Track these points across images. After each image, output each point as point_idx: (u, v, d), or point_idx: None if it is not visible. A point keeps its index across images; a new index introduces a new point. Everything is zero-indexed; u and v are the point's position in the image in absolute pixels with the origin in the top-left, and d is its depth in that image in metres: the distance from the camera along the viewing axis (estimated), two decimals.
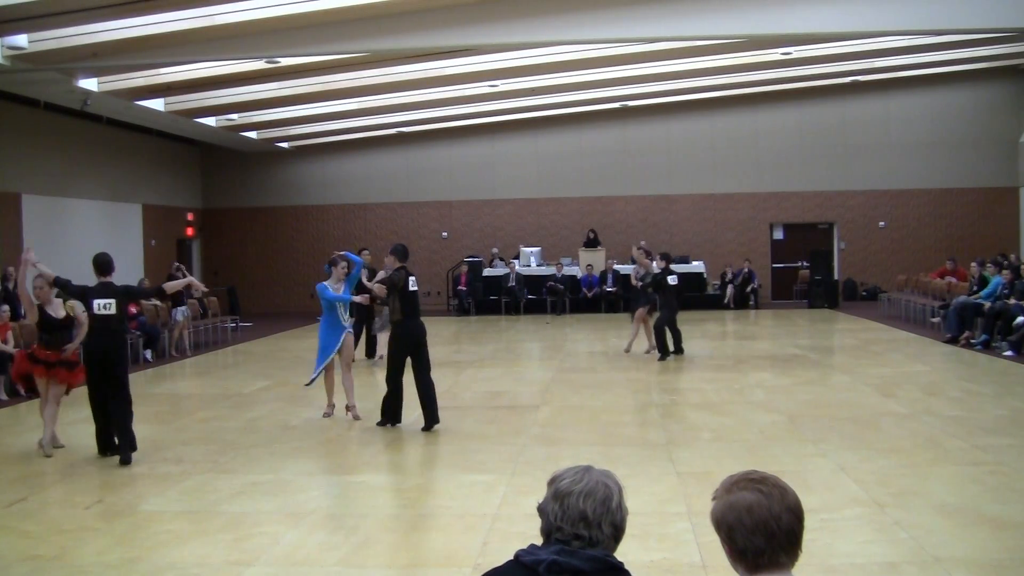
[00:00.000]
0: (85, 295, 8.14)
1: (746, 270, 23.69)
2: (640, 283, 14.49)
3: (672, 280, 14.15)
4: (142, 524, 6.24)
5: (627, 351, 14.62)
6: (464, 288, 23.42)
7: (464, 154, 25.68)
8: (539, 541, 2.32)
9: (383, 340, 13.77)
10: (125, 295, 8.32)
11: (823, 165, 24.79)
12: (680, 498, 6.55)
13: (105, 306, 8.07)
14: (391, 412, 9.31)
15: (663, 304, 14.20)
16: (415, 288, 9.30)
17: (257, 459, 8.12)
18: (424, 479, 7.76)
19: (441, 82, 18.59)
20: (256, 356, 16.31)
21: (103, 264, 8.28)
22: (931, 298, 18.97)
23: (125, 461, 7.90)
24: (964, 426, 8.78)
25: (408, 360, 9.21)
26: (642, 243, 17.25)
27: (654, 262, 14.48)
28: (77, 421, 9.36)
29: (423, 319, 9.46)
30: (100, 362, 8.06)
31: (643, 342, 14.71)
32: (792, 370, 12.83)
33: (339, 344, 9.71)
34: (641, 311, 14.50)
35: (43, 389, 8.51)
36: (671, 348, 14.11)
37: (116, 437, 8.10)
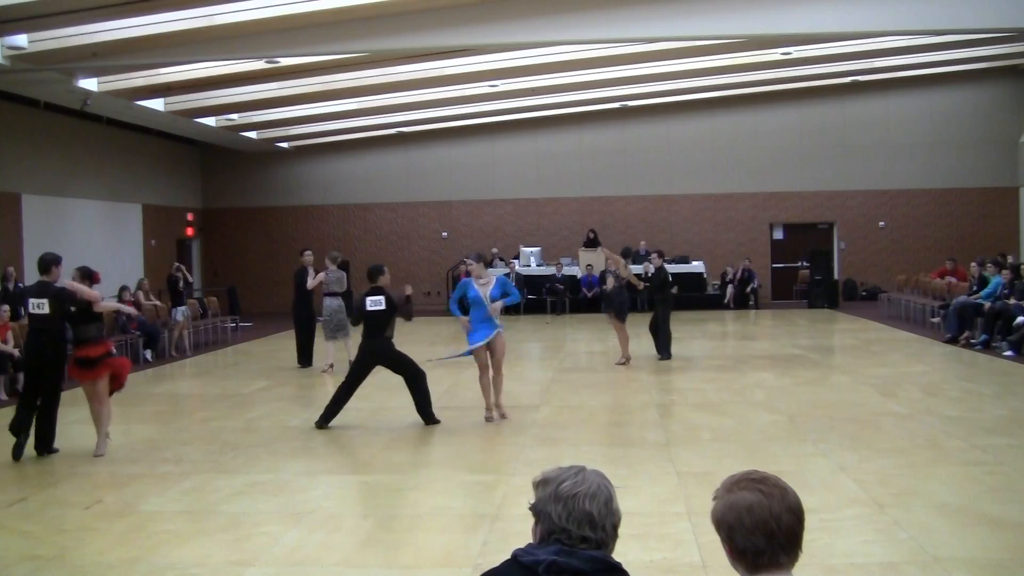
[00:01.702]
0: (23, 294, 8.20)
1: (746, 262, 23.67)
2: (615, 281, 13.80)
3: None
4: (142, 524, 6.23)
5: (626, 360, 13.74)
6: None
7: (464, 154, 25.68)
8: None
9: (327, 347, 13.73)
10: (57, 297, 8.17)
11: (823, 165, 24.79)
12: (680, 498, 6.55)
13: (39, 305, 8.12)
14: (326, 413, 9.49)
15: (660, 302, 14.12)
16: (373, 308, 9.32)
17: (257, 459, 8.12)
18: (424, 479, 7.75)
19: (441, 82, 18.59)
20: (256, 356, 16.30)
21: (41, 263, 8.32)
22: (931, 298, 18.97)
23: (44, 452, 8.20)
24: (964, 426, 8.78)
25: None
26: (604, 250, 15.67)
27: (650, 259, 14.38)
28: (76, 421, 9.36)
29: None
30: (35, 364, 8.19)
31: (633, 347, 14.24)
32: (792, 370, 12.82)
33: (487, 339, 9.41)
34: (616, 320, 13.66)
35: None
36: (659, 350, 14.00)
37: (41, 433, 8.25)
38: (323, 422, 9.41)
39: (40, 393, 8.27)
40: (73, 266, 8.86)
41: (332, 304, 13.64)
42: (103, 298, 8.64)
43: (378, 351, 9.38)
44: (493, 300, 9.34)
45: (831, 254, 24.55)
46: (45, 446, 8.32)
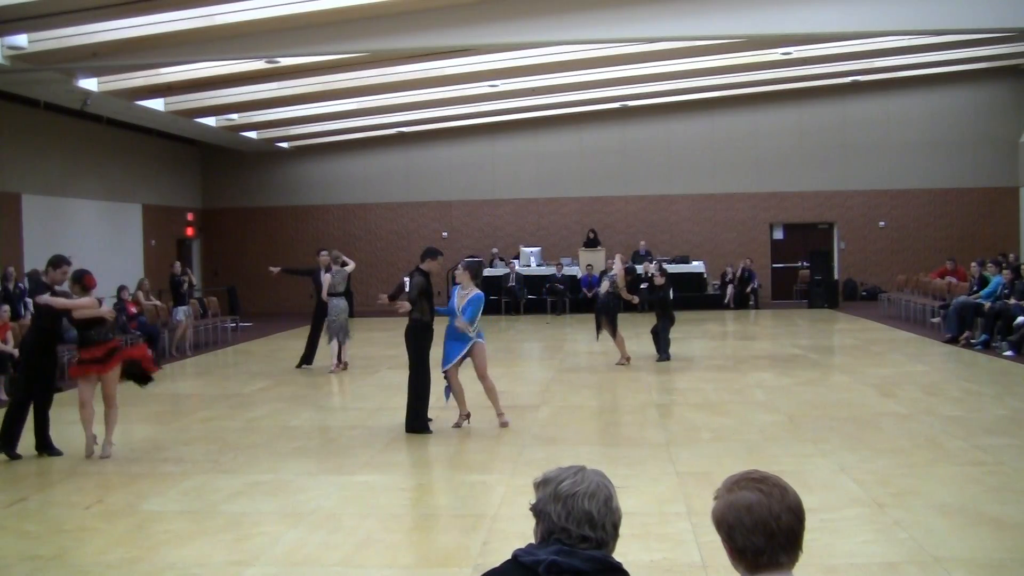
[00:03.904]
0: (6, 297, 8.45)
1: (747, 262, 23.67)
2: (608, 285, 13.72)
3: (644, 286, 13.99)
4: (142, 524, 6.23)
5: (626, 361, 13.68)
6: None
7: (464, 154, 25.68)
8: None
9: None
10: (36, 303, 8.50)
11: (823, 165, 24.79)
12: (680, 498, 6.55)
13: (31, 304, 8.38)
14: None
15: (660, 316, 14.04)
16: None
17: (257, 459, 8.12)
18: (424, 479, 7.76)
19: (441, 82, 18.59)
20: (256, 356, 16.31)
21: (47, 264, 8.63)
22: (931, 298, 18.97)
23: (7, 453, 8.30)
24: (964, 426, 8.78)
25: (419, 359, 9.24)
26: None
27: (653, 275, 14.34)
28: (76, 422, 9.34)
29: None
30: (23, 359, 8.61)
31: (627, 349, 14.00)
32: (792, 370, 12.82)
33: (458, 356, 9.03)
34: (609, 328, 13.53)
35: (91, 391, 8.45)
36: (659, 351, 13.96)
37: (36, 432, 8.40)
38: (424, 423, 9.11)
39: (31, 389, 8.38)
40: (79, 266, 8.87)
41: (339, 305, 13.66)
42: (93, 304, 8.51)
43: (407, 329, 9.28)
44: (465, 317, 9.00)
45: (831, 254, 24.55)
46: (42, 447, 8.38)
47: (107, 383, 8.38)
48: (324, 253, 14.35)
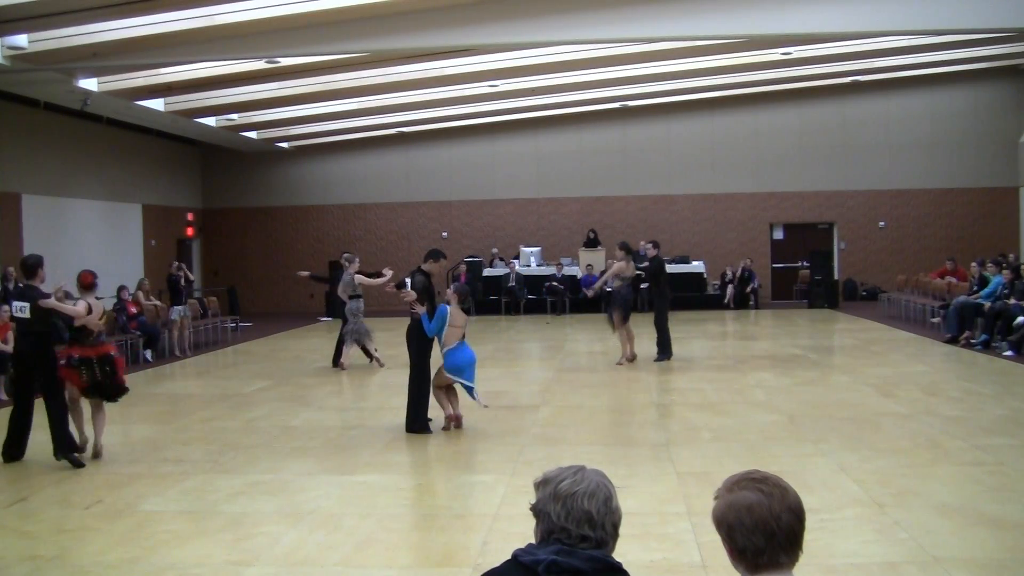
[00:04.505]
0: (6, 297, 8.22)
1: (747, 262, 23.65)
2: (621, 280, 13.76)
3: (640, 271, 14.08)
4: (142, 524, 6.23)
5: (631, 359, 13.67)
6: None
7: (464, 154, 25.68)
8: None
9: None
10: (36, 304, 8.14)
11: (823, 165, 24.80)
12: (680, 498, 6.54)
13: (20, 309, 8.16)
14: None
15: (657, 295, 14.07)
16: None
17: (257, 459, 8.12)
18: (424, 479, 7.76)
19: (441, 82, 18.59)
20: (256, 356, 16.30)
21: (26, 267, 8.34)
22: (931, 298, 18.97)
23: (69, 459, 7.96)
24: (964, 426, 8.78)
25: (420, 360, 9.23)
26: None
27: (645, 249, 14.37)
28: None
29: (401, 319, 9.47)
30: (24, 365, 8.23)
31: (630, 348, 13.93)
32: (792, 370, 12.82)
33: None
34: (618, 318, 13.50)
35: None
36: (660, 350, 13.91)
37: (52, 437, 8.10)
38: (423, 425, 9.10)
39: (28, 395, 8.24)
40: (72, 267, 8.85)
41: (351, 307, 13.76)
42: (81, 313, 8.29)
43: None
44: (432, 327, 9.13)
45: (831, 254, 24.55)
46: (59, 449, 8.07)
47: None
48: (345, 256, 14.44)
